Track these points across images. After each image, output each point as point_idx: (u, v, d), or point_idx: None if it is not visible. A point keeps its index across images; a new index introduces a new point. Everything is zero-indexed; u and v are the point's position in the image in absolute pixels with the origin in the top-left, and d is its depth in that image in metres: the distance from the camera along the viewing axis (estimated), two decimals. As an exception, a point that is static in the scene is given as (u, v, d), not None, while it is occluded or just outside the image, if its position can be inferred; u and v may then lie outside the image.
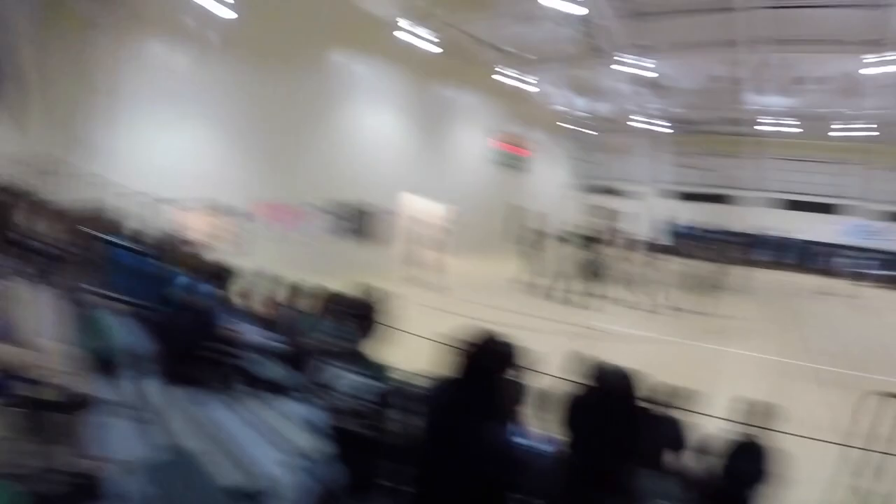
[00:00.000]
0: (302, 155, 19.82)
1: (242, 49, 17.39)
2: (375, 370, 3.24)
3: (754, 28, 24.85)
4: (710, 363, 12.47)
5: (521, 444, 2.56)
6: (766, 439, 4.81)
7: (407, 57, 22.70)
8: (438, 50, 23.26)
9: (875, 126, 30.32)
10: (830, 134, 31.20)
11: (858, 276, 30.90)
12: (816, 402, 10.17)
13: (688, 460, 4.96)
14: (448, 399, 2.56)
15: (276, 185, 18.51)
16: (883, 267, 32.24)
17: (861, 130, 30.88)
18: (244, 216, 17.64)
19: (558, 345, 11.59)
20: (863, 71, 25.12)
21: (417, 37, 21.15)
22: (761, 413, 4.88)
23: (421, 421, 2.67)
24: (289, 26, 18.51)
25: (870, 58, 23.92)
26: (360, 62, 22.00)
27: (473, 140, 28.52)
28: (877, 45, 23.87)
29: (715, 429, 5.09)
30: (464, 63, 26.15)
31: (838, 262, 28.82)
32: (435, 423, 2.60)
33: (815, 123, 31.35)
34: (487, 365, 2.50)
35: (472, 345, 2.55)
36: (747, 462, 4.58)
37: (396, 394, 3.13)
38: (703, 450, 4.90)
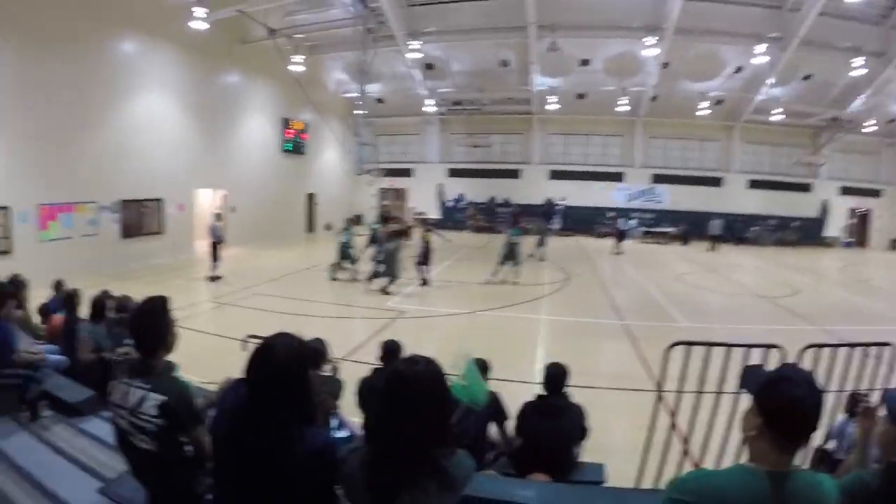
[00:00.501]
0: (78, 150, 17.35)
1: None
2: (164, 380, 3.06)
3: (542, 13, 26.40)
4: (519, 331, 12.64)
5: (328, 440, 2.55)
6: (570, 397, 5.10)
7: (192, 43, 20.86)
8: (224, 34, 22.21)
9: (653, 99, 34.37)
10: (616, 109, 34.29)
11: (639, 235, 35.10)
12: (625, 354, 10.74)
13: (507, 429, 5.14)
14: (243, 403, 2.47)
15: (48, 183, 16.19)
16: (656, 224, 36.69)
17: (640, 105, 34.93)
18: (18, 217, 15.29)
19: (358, 330, 11.28)
20: (643, 52, 27.86)
21: (202, 21, 19.41)
22: (558, 373, 5.10)
23: (223, 429, 2.58)
24: (57, 8, 16.21)
25: (650, 40, 26.39)
26: (142, 47, 19.65)
27: (260, 127, 27.06)
28: (655, 29, 26.65)
29: (529, 393, 5.23)
30: (250, 48, 24.63)
31: (621, 223, 31.17)
32: (231, 431, 2.52)
33: (598, 100, 34.44)
34: (280, 364, 2.43)
35: (264, 343, 2.49)
36: (558, 420, 4.81)
37: (185, 403, 3.01)
38: (521, 415, 4.99)
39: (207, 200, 24.42)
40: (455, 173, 39.05)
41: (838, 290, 20.93)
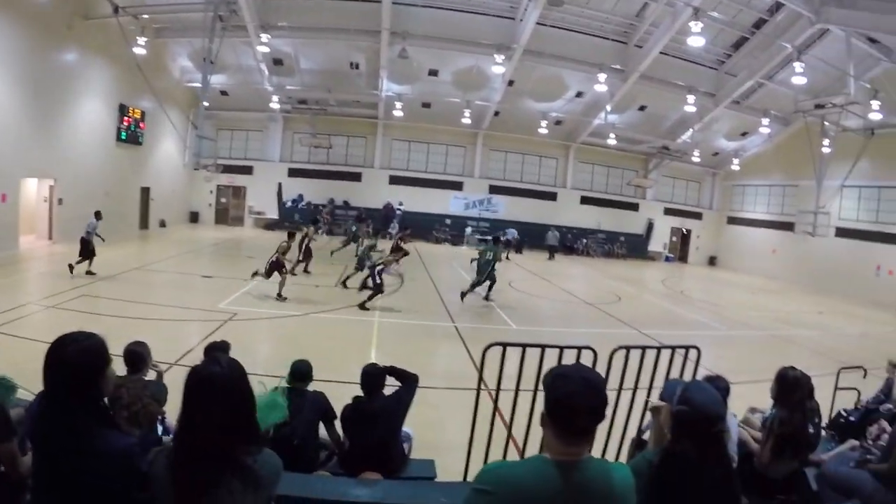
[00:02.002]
0: None
1: None
2: None
3: (397, 20, 26.87)
4: (353, 332, 12.80)
5: (127, 444, 2.48)
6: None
7: (26, 11, 19.07)
8: (63, 6, 20.60)
9: (497, 114, 35.60)
10: (461, 121, 35.04)
11: (477, 242, 35.20)
12: (457, 355, 11.49)
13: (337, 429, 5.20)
14: (46, 411, 2.47)
15: None
16: (491, 232, 37.04)
17: (483, 118, 36.23)
18: None
19: (190, 334, 10.77)
20: (491, 69, 28.63)
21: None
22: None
23: (31, 435, 2.61)
24: None
25: (498, 58, 27.05)
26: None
27: (96, 112, 24.81)
28: (505, 48, 27.56)
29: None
30: (92, 25, 22.58)
31: (456, 230, 32.00)
32: (34, 436, 2.56)
33: (443, 110, 35.26)
34: (71, 363, 2.39)
35: (55, 343, 2.44)
36: (378, 420, 4.90)
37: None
38: (343, 417, 5.09)
39: (40, 191, 22.45)
40: (295, 173, 38.25)
41: (658, 300, 23.00)
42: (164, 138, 31.03)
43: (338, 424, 5.09)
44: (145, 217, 30.18)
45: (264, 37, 26.56)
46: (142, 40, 24.07)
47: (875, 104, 24.90)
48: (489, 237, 23.98)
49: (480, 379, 5.22)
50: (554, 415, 2.11)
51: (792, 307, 24.78)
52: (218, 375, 2.24)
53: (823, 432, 6.37)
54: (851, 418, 6.88)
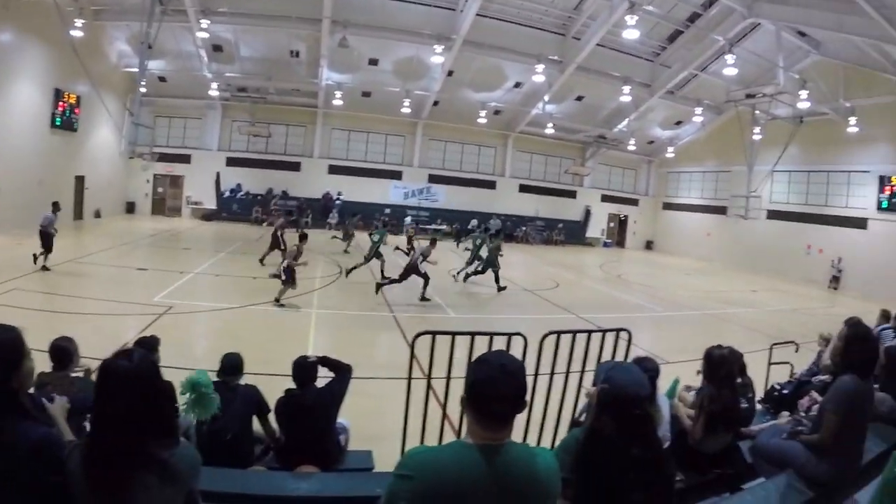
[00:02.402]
0: None
1: None
2: None
3: (338, 9, 26.75)
4: (290, 324, 12.84)
5: (45, 435, 2.44)
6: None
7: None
8: None
9: (436, 103, 35.98)
10: (400, 110, 34.95)
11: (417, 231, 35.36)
12: (396, 345, 11.40)
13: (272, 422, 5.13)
14: None
15: None
16: (431, 222, 38.58)
17: (423, 108, 36.56)
18: None
19: (126, 328, 10.72)
20: (431, 59, 28.83)
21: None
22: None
23: None
24: None
25: (438, 48, 27.47)
26: None
27: (29, 96, 23.82)
28: (445, 39, 28.08)
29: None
30: (27, 4, 21.74)
31: (395, 219, 32.20)
32: None
33: (383, 99, 35.23)
34: None
35: None
36: (311, 412, 4.89)
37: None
38: (276, 410, 5.01)
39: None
40: (234, 162, 37.64)
41: (596, 284, 23.79)
42: (99, 125, 30.01)
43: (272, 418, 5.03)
44: (80, 207, 29.17)
45: (204, 22, 26.14)
46: (79, 22, 23.23)
47: (803, 94, 26.65)
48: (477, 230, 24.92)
49: (411, 367, 5.23)
50: (472, 399, 2.14)
51: (726, 287, 26.08)
52: (125, 369, 2.24)
53: (759, 406, 6.71)
54: (785, 391, 7.16)
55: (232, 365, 5.15)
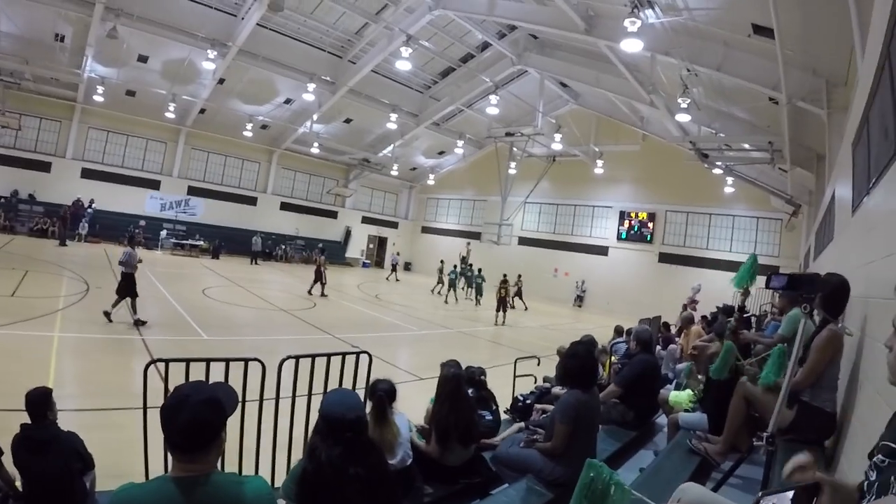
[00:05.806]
0: None
1: None
2: None
3: None
4: (25, 350, 10.40)
5: None
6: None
7: None
8: None
9: (202, 111, 35.06)
10: (164, 114, 33.60)
11: (173, 247, 34.92)
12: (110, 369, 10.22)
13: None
14: None
15: None
16: (189, 237, 36.50)
17: (188, 115, 35.31)
18: None
19: None
20: (203, 63, 28.22)
21: None
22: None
23: None
24: None
25: (212, 53, 27.00)
26: None
27: None
28: (220, 45, 27.60)
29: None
30: None
31: (151, 232, 30.34)
32: None
33: (147, 101, 33.31)
34: None
35: None
36: (47, 452, 4.28)
37: None
38: (13, 450, 4.24)
39: None
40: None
41: (354, 304, 24.03)
42: None
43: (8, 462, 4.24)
44: None
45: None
46: None
47: (558, 136, 30.96)
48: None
49: (145, 397, 4.78)
50: (165, 434, 2.17)
51: (477, 308, 28.31)
52: None
53: (505, 416, 7.31)
54: (528, 401, 7.70)
55: None
